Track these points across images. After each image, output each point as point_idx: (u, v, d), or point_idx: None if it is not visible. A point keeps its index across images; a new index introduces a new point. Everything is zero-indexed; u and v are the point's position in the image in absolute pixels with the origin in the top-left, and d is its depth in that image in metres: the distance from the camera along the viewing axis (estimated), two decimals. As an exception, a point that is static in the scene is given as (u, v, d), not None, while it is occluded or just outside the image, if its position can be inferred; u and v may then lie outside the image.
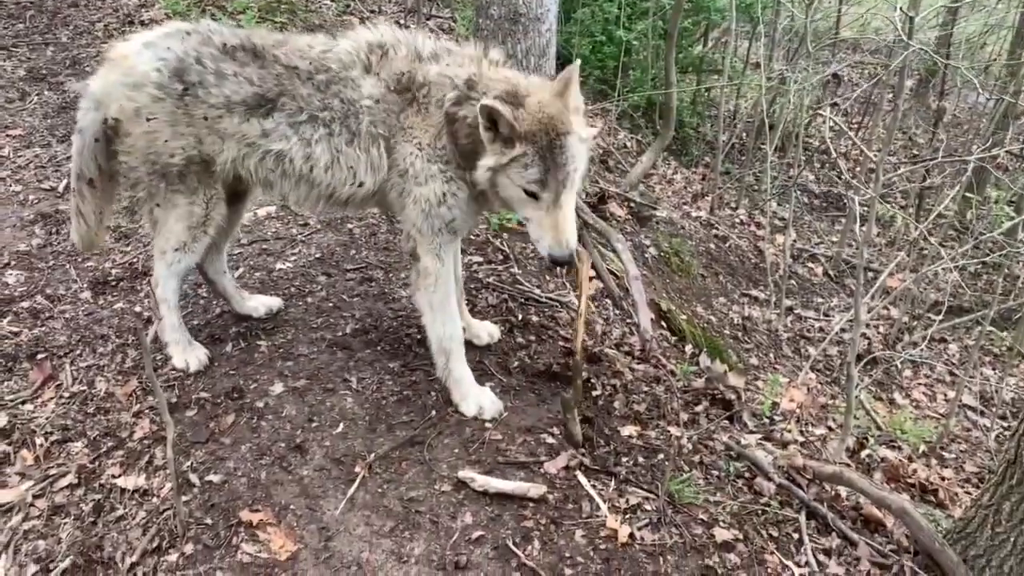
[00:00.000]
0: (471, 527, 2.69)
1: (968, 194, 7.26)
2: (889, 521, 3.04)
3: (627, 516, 2.80)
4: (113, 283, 4.11)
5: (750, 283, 6.48)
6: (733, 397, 3.75)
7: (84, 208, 3.29)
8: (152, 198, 3.14)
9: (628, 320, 4.30)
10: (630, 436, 3.24)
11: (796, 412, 3.99)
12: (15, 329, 3.66)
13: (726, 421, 3.60)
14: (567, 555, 2.61)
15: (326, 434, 3.04)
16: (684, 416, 3.49)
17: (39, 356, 3.47)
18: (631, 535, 2.71)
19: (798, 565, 2.76)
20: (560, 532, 2.70)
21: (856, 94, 9.36)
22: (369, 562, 2.54)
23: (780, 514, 2.98)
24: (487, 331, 3.70)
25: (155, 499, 2.75)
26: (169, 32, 3.07)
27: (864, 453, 3.93)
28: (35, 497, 2.74)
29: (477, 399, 3.21)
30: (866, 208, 5.94)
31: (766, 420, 3.79)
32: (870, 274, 6.76)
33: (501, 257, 4.49)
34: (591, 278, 4.31)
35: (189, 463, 2.88)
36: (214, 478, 2.82)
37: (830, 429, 4.12)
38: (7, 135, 5.62)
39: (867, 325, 6.15)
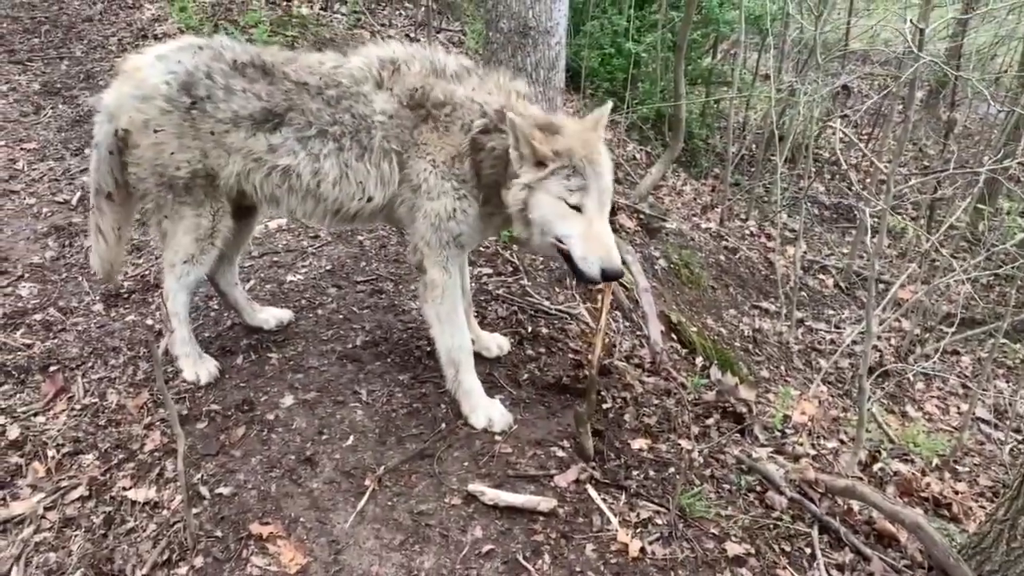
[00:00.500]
0: (481, 541, 2.68)
1: (980, 206, 7.22)
2: (903, 536, 3.01)
3: (638, 530, 2.78)
4: (125, 296, 4.13)
5: (760, 295, 6.45)
6: (744, 410, 3.73)
7: (103, 224, 3.31)
8: (160, 210, 3.16)
9: (638, 332, 4.29)
10: (641, 449, 3.23)
11: (808, 425, 3.96)
12: (28, 341, 3.69)
13: (737, 434, 3.58)
14: (578, 569, 2.60)
15: (336, 447, 3.04)
16: (695, 429, 3.48)
17: (51, 368, 3.49)
18: (642, 549, 2.69)
19: (811, 580, 2.74)
20: (571, 546, 2.69)
21: (866, 106, 9.33)
22: (379, 575, 2.53)
23: (792, 528, 2.96)
24: (496, 343, 3.69)
25: (165, 511, 2.75)
26: (182, 46, 3.11)
27: (877, 467, 3.90)
28: (46, 509, 2.75)
29: (487, 411, 3.21)
30: (877, 220, 5.92)
31: (777, 433, 3.76)
32: (881, 286, 6.72)
33: (511, 269, 4.49)
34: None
35: (199, 475, 2.89)
36: (224, 490, 2.82)
37: (842, 442, 4.09)
38: (22, 148, 5.68)
39: (879, 337, 6.11)
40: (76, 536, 2.67)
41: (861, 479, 3.53)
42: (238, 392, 3.32)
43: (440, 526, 2.73)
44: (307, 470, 2.93)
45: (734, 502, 3.05)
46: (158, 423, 3.16)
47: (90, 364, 3.54)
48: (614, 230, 5.21)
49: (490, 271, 4.48)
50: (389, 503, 2.81)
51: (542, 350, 3.82)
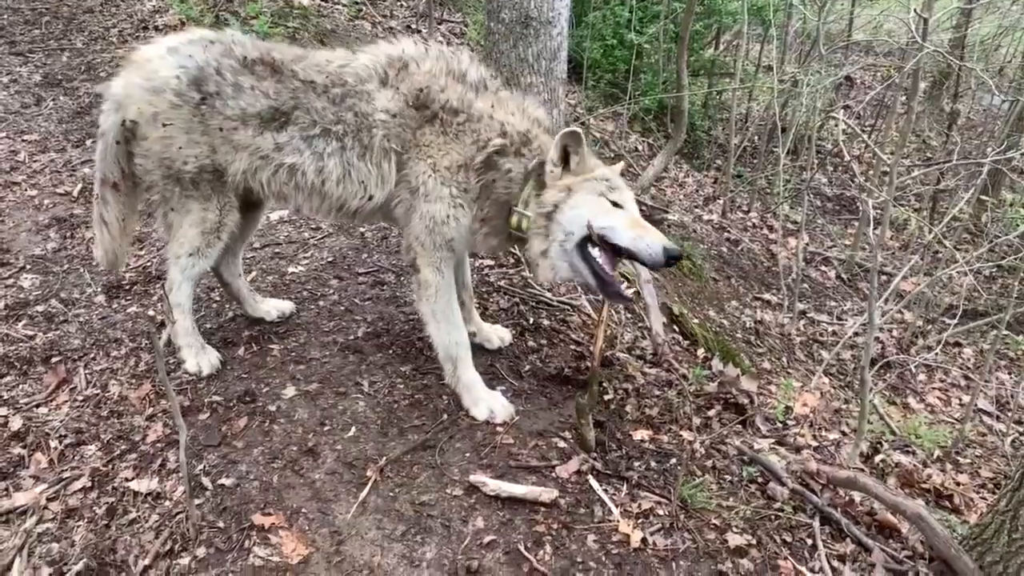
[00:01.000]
0: (483, 531, 2.68)
1: (983, 197, 7.21)
2: (904, 527, 3.01)
3: (639, 521, 2.79)
4: (127, 287, 4.13)
5: (763, 287, 6.45)
6: (746, 401, 3.73)
7: (108, 216, 3.30)
8: (166, 202, 3.16)
9: (640, 324, 4.29)
10: (642, 440, 3.23)
11: (809, 416, 3.96)
12: (30, 333, 3.69)
13: (739, 425, 3.58)
14: (579, 560, 2.60)
15: (338, 438, 3.05)
16: (696, 420, 3.48)
17: (53, 360, 3.50)
18: (643, 540, 2.69)
19: (812, 571, 2.73)
20: (572, 537, 2.69)
21: (869, 97, 9.31)
22: (381, 566, 2.54)
23: (793, 519, 2.96)
24: (498, 335, 3.69)
25: (168, 502, 2.76)
26: (193, 39, 3.08)
27: (878, 458, 3.90)
28: (49, 500, 2.75)
29: (488, 403, 3.21)
30: (880, 211, 5.91)
31: (779, 424, 3.76)
32: (884, 277, 6.72)
33: (512, 261, 4.49)
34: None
35: (202, 466, 2.89)
36: (226, 481, 2.83)
37: (844, 434, 4.09)
38: (23, 140, 5.68)
39: (881, 329, 6.11)
40: (79, 527, 2.67)
41: (863, 470, 3.53)
42: (240, 383, 3.32)
43: (442, 517, 2.73)
44: (309, 461, 2.94)
45: (735, 493, 3.05)
46: (160, 414, 3.16)
47: (92, 355, 3.54)
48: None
49: (492, 263, 4.48)
50: (391, 494, 2.81)
51: (543, 341, 3.82)
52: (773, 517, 2.95)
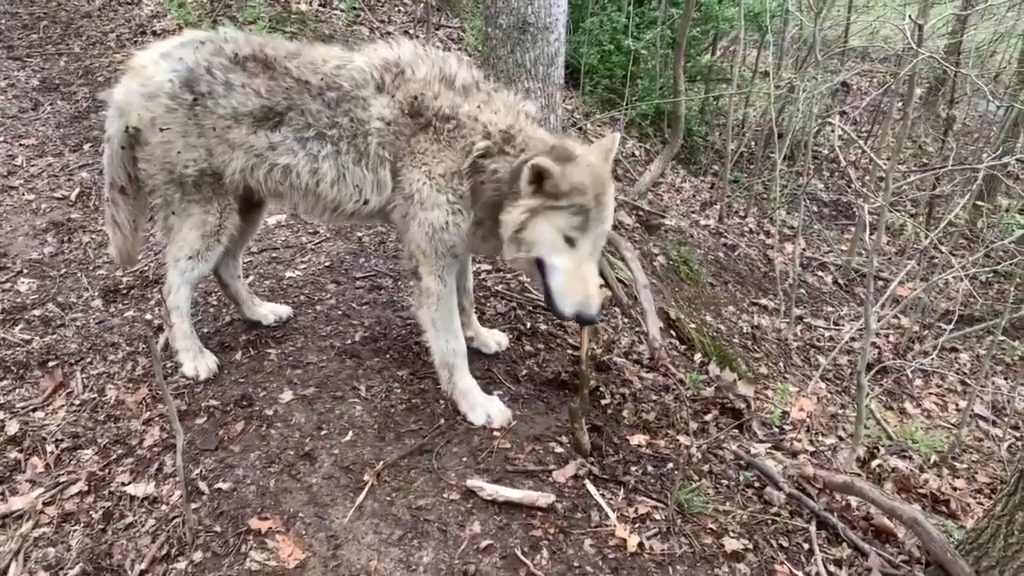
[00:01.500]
0: (480, 536, 2.68)
1: (979, 202, 7.24)
2: (900, 531, 3.01)
3: (636, 525, 2.79)
4: (124, 291, 4.13)
5: (759, 292, 6.46)
6: (743, 406, 3.74)
7: (119, 217, 3.33)
8: (168, 206, 3.17)
9: (637, 329, 4.29)
10: (639, 445, 3.23)
11: (806, 421, 3.97)
12: (27, 337, 3.69)
13: (735, 430, 3.59)
14: (576, 564, 2.60)
15: (335, 442, 3.05)
16: (693, 425, 3.48)
17: (50, 364, 3.49)
18: (640, 544, 2.69)
19: (808, 576, 2.74)
20: (569, 541, 2.69)
21: (865, 103, 9.35)
22: (378, 570, 2.53)
23: (790, 524, 2.96)
24: (495, 339, 3.70)
25: (164, 506, 2.75)
26: (184, 42, 3.09)
27: (875, 463, 3.91)
28: (45, 504, 2.75)
29: (485, 408, 3.21)
30: (876, 216, 5.93)
31: (776, 429, 3.77)
32: (880, 283, 6.74)
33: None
34: (599, 287, 4.31)
35: (198, 471, 2.89)
36: (223, 486, 2.82)
37: (840, 439, 4.10)
38: (20, 144, 5.68)
39: (877, 334, 6.12)
40: (75, 531, 2.67)
41: (859, 475, 3.54)
42: (237, 388, 3.32)
43: (439, 521, 2.73)
44: (306, 465, 2.93)
45: (732, 498, 3.06)
46: (157, 418, 3.16)
47: (89, 360, 3.54)
48: (613, 227, 5.24)
49: (489, 267, 4.49)
50: (388, 498, 2.81)
51: (540, 346, 3.83)
52: (770, 521, 2.96)
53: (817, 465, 3.41)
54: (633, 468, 3.10)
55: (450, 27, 9.22)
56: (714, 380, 3.91)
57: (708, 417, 3.60)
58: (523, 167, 2.70)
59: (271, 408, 3.20)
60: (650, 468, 3.11)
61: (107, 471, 2.91)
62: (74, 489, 2.82)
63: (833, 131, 8.04)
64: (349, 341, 3.68)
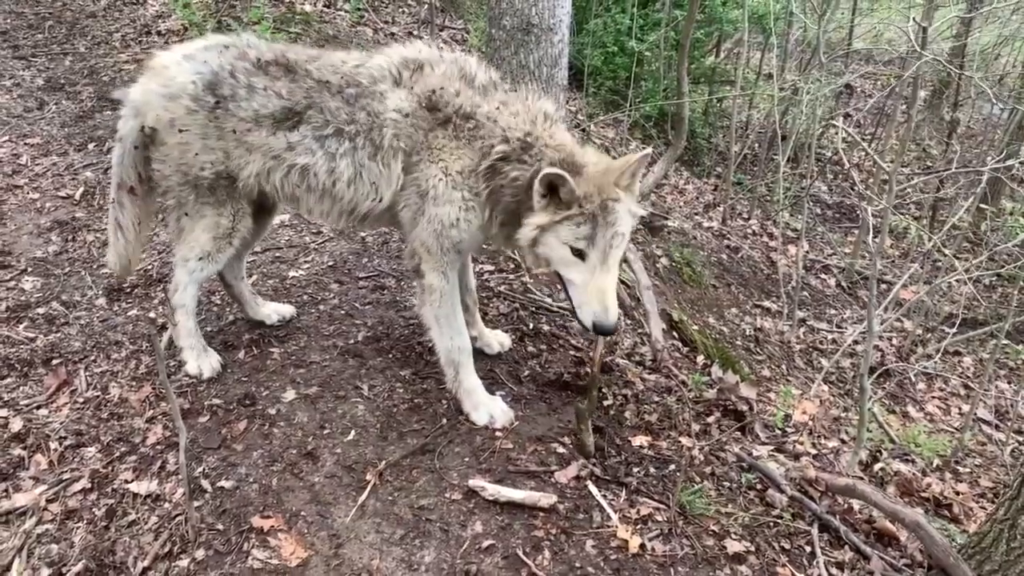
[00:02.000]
0: (481, 536, 2.68)
1: (983, 205, 7.23)
2: (903, 535, 3.01)
3: (638, 527, 2.79)
4: (128, 290, 4.14)
5: (762, 294, 6.45)
6: (745, 408, 3.73)
7: (123, 220, 3.33)
8: (181, 207, 3.18)
9: (640, 330, 4.29)
10: (641, 446, 3.23)
11: (808, 424, 3.96)
12: (31, 335, 3.70)
13: (738, 432, 3.58)
14: (577, 565, 2.60)
15: (337, 441, 3.05)
16: (696, 427, 3.48)
17: (54, 362, 3.50)
18: (642, 546, 2.69)
19: (810, 578, 2.74)
20: (571, 542, 2.69)
21: (869, 105, 9.35)
22: (379, 569, 2.54)
23: (792, 526, 2.96)
24: (498, 340, 3.70)
25: (167, 504, 2.76)
26: (208, 45, 3.12)
27: (877, 466, 3.90)
28: (49, 501, 2.76)
29: (488, 408, 3.21)
30: (879, 219, 5.92)
31: (778, 432, 3.77)
32: (883, 286, 6.72)
33: (512, 266, 4.50)
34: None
35: (201, 469, 2.89)
36: (226, 484, 2.83)
37: (843, 442, 4.09)
38: (25, 143, 5.69)
39: (880, 337, 6.11)
40: (78, 528, 2.68)
41: (862, 478, 3.53)
42: (240, 386, 3.33)
43: (441, 521, 2.74)
44: (308, 464, 2.94)
45: (734, 500, 3.05)
46: (160, 416, 3.17)
47: (92, 358, 3.55)
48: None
49: (492, 268, 4.49)
50: (390, 498, 2.82)
51: (543, 347, 3.83)
52: (772, 524, 2.96)
53: (819, 468, 3.40)
54: (635, 469, 3.10)
55: (454, 28, 9.23)
56: (716, 382, 3.91)
57: (710, 419, 3.60)
58: (535, 180, 2.72)
59: (274, 407, 3.20)
60: (652, 469, 3.11)
61: (110, 469, 2.92)
62: (77, 486, 2.83)
63: (837, 133, 8.04)
64: (352, 341, 3.68)
